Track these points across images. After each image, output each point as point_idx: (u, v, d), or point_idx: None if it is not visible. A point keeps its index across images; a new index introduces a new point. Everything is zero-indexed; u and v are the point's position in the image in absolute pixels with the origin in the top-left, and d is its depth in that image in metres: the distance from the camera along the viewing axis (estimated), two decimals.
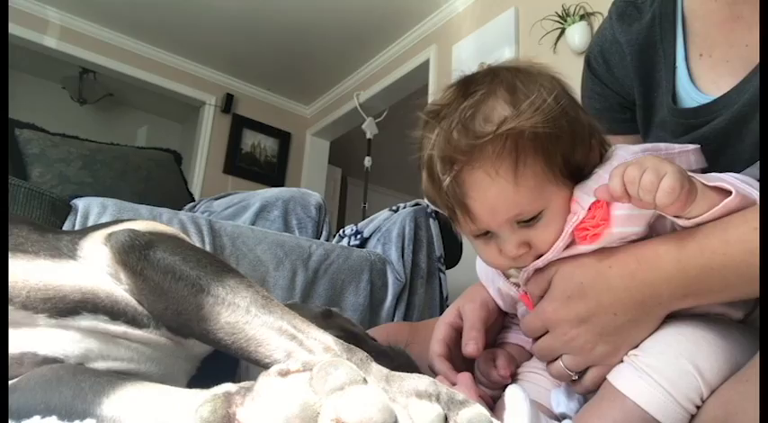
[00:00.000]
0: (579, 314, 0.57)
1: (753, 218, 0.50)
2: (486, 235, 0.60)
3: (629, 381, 0.53)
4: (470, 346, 0.66)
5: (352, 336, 0.64)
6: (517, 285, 0.65)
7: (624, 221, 0.55)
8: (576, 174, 0.58)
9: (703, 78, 0.69)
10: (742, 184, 0.53)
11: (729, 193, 0.51)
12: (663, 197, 0.48)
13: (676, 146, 0.61)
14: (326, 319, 0.68)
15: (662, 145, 0.61)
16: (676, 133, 0.70)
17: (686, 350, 0.52)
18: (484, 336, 0.68)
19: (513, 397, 0.52)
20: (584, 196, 0.57)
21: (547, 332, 0.60)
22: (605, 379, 0.56)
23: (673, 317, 0.57)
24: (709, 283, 0.52)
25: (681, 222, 0.53)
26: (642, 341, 0.56)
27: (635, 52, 0.75)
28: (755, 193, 0.53)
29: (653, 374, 0.52)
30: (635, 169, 0.49)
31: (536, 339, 0.62)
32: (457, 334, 0.71)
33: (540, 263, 0.59)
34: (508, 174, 0.54)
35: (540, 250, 0.58)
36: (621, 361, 0.56)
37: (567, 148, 0.56)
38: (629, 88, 0.79)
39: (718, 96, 0.66)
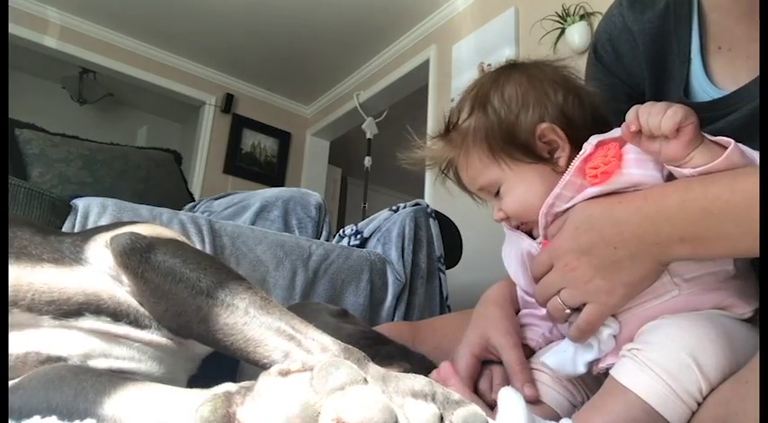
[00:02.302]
0: (582, 245, 0.58)
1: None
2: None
3: (632, 374, 0.53)
4: (529, 389, 0.63)
5: (378, 336, 0.65)
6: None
7: (634, 164, 0.58)
8: (531, 155, 0.67)
9: (720, 73, 0.67)
10: (743, 146, 0.54)
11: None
12: (667, 120, 0.53)
13: None
14: (344, 317, 0.69)
15: None
16: None
17: (687, 345, 0.53)
18: (531, 372, 0.66)
19: (507, 398, 0.52)
20: (594, 138, 0.62)
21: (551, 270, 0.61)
22: (609, 375, 0.56)
23: (676, 314, 0.57)
24: (708, 227, 0.52)
25: (686, 172, 0.54)
26: (637, 283, 0.57)
27: (647, 42, 0.73)
28: (756, 155, 0.54)
29: (654, 368, 0.52)
30: (649, 104, 0.56)
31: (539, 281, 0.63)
32: (480, 363, 0.70)
33: (551, 199, 0.63)
34: (463, 160, 0.71)
35: (510, 215, 0.69)
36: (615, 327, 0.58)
37: (508, 138, 0.67)
38: (638, 78, 0.77)
39: (733, 90, 0.64)
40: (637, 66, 0.76)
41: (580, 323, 0.58)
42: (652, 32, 0.73)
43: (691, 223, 0.53)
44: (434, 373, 0.67)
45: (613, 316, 0.59)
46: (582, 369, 0.61)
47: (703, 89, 0.68)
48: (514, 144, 0.66)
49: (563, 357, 0.62)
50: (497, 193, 0.69)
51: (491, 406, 0.64)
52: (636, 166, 0.58)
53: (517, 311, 0.75)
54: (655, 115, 0.55)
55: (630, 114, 0.57)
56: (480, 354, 0.69)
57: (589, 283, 0.57)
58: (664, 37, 0.72)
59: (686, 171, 0.54)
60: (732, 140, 0.53)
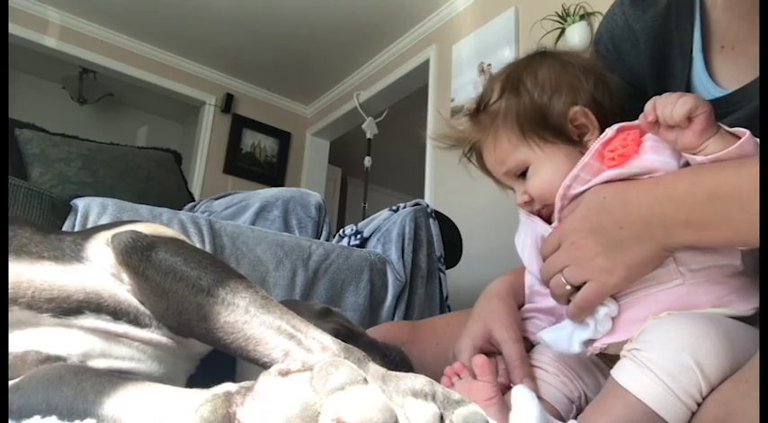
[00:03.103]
0: (591, 225, 0.59)
1: None
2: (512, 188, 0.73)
3: (632, 375, 0.53)
4: (530, 384, 0.64)
5: (350, 331, 0.65)
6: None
7: (652, 150, 0.60)
8: (562, 137, 0.67)
9: (723, 71, 0.67)
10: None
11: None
12: (678, 108, 0.54)
13: None
14: (325, 316, 0.68)
15: None
16: None
17: (688, 345, 0.53)
18: (531, 367, 0.67)
19: (521, 396, 0.51)
20: (616, 125, 0.63)
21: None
22: (610, 376, 0.56)
23: (676, 313, 0.57)
24: (713, 211, 0.52)
25: (699, 159, 0.55)
26: (638, 265, 0.57)
27: (649, 40, 0.73)
28: None
29: (654, 369, 0.52)
30: (666, 95, 0.57)
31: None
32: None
33: (568, 181, 0.64)
34: (491, 142, 0.71)
35: (535, 196, 0.68)
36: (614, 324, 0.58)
37: (539, 120, 0.67)
38: (640, 77, 0.77)
39: (735, 89, 0.64)
40: (639, 64, 0.76)
41: (578, 300, 0.59)
42: (654, 31, 0.73)
43: (697, 206, 0.53)
44: (452, 367, 0.66)
45: (614, 298, 0.60)
46: (576, 348, 0.61)
47: (705, 88, 0.68)
48: (546, 125, 0.67)
49: (559, 334, 0.63)
50: (524, 176, 0.69)
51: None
52: (653, 152, 0.59)
53: (520, 306, 0.75)
54: (668, 105, 0.55)
55: (648, 105, 0.58)
56: (483, 346, 0.70)
57: (592, 262, 0.58)
58: (666, 35, 0.72)
59: (699, 158, 0.55)
60: (747, 131, 0.53)
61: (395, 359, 0.64)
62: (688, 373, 0.51)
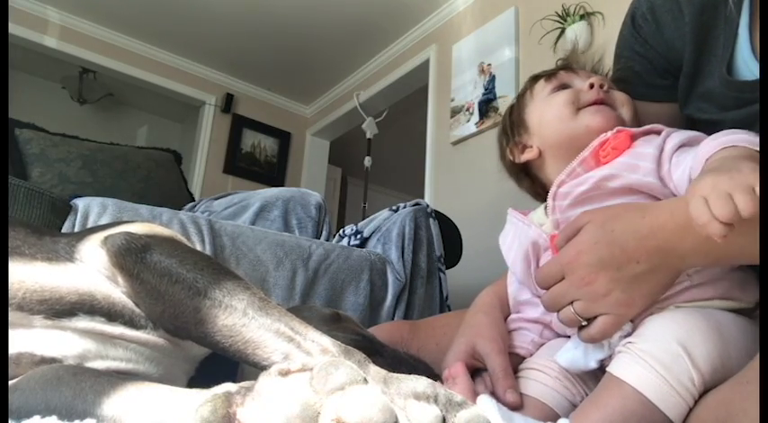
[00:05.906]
0: (602, 259, 0.57)
1: None
2: (563, 88, 0.76)
3: (626, 366, 0.54)
4: (512, 395, 0.63)
5: (371, 343, 0.64)
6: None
7: (642, 143, 0.64)
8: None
9: None
10: None
11: None
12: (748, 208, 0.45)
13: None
14: (335, 322, 0.68)
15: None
16: (726, 106, 0.66)
17: (679, 336, 0.54)
18: (515, 379, 0.66)
19: (481, 403, 0.52)
20: (617, 128, 0.68)
21: (561, 280, 0.60)
22: (607, 371, 0.57)
23: (671, 307, 0.58)
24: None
25: None
26: (656, 294, 0.57)
27: (694, 12, 0.70)
28: None
29: (647, 359, 0.53)
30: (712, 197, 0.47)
31: (547, 289, 0.62)
32: (469, 371, 0.68)
33: (563, 175, 0.67)
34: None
35: (613, 105, 0.72)
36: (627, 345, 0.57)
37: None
38: (677, 52, 0.74)
39: None
40: (678, 38, 0.73)
41: (594, 333, 0.58)
42: (702, 3, 0.70)
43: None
44: (446, 372, 0.67)
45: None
46: (593, 364, 0.61)
47: (748, 66, 0.66)
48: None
49: (574, 355, 0.63)
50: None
51: None
52: (642, 146, 0.63)
53: (507, 317, 0.75)
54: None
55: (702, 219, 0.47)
56: (468, 362, 0.69)
57: (608, 297, 0.57)
58: (712, 8, 0.69)
59: None
60: None
61: (422, 373, 0.64)
62: (679, 362, 0.52)
